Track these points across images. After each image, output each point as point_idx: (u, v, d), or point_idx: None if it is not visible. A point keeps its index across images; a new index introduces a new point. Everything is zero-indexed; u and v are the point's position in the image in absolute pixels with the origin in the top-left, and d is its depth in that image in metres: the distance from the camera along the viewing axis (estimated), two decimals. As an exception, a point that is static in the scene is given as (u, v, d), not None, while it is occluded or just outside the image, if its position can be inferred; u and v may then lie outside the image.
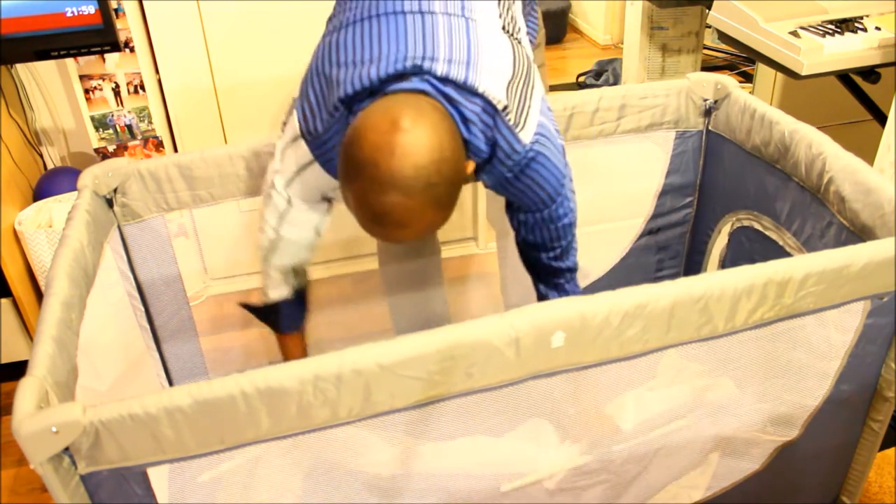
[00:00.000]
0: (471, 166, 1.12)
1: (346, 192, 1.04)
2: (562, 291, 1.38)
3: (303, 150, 1.20)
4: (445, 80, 1.10)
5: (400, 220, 1.01)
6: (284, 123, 1.25)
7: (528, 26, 1.56)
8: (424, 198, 1.00)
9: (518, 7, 1.35)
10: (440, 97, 1.09)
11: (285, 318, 1.45)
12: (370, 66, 1.11)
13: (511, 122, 1.14)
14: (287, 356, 1.49)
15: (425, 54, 1.10)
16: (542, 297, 1.41)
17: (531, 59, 1.25)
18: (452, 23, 1.16)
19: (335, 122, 1.14)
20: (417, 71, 1.09)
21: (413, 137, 0.99)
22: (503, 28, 1.23)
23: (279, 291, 1.41)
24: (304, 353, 1.50)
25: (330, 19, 1.30)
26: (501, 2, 1.27)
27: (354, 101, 1.12)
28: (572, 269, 1.36)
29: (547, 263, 1.34)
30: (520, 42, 1.25)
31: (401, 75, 1.09)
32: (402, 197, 0.99)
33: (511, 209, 1.30)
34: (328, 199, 1.32)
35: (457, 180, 1.04)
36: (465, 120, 1.11)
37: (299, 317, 1.46)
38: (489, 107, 1.12)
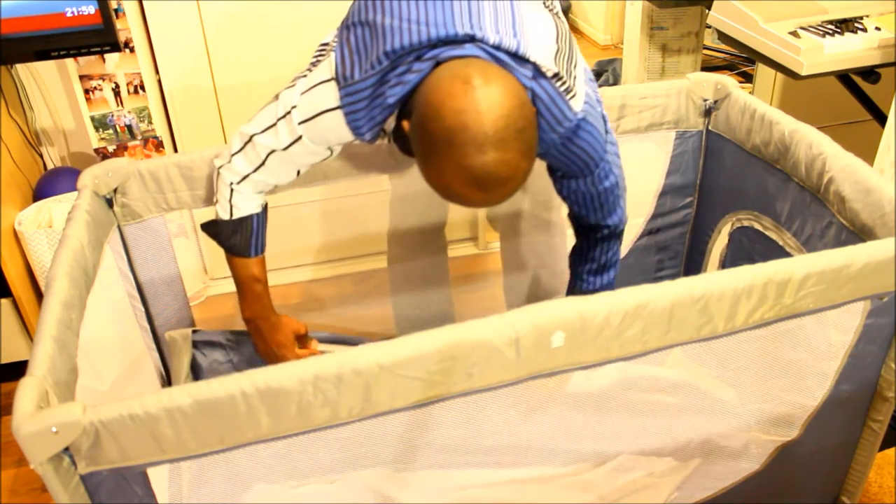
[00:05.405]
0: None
1: (436, 171, 1.04)
2: (604, 253, 1.43)
3: (330, 95, 1.17)
4: (498, 48, 1.09)
5: (500, 177, 1.02)
6: (312, 65, 1.22)
7: None
8: (518, 146, 1.02)
9: None
10: (495, 63, 1.09)
11: (256, 237, 1.36)
12: (419, 26, 1.09)
13: (563, 90, 1.15)
14: (252, 285, 1.39)
15: (473, 24, 1.10)
16: (579, 270, 1.47)
17: (572, 35, 1.25)
18: None
19: (375, 73, 1.12)
20: (469, 39, 1.09)
21: (490, 91, 1.00)
22: (544, 4, 1.24)
23: (250, 206, 1.33)
24: (267, 281, 1.41)
25: None
26: None
27: (399, 58, 1.11)
28: (618, 226, 1.40)
29: (595, 224, 1.38)
30: (560, 18, 1.26)
31: (452, 41, 1.09)
32: (499, 152, 1.00)
33: (555, 176, 1.32)
34: (330, 150, 1.28)
35: (536, 122, 1.05)
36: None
37: (263, 235, 1.38)
38: (539, 75, 1.13)
